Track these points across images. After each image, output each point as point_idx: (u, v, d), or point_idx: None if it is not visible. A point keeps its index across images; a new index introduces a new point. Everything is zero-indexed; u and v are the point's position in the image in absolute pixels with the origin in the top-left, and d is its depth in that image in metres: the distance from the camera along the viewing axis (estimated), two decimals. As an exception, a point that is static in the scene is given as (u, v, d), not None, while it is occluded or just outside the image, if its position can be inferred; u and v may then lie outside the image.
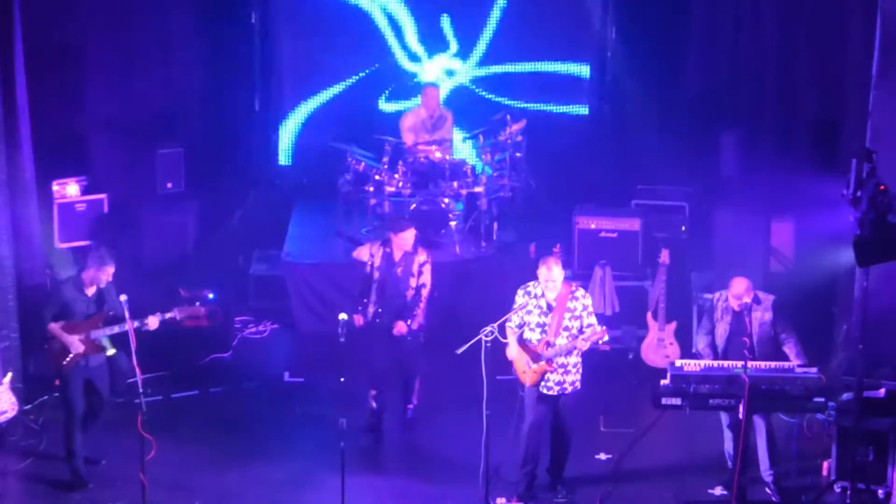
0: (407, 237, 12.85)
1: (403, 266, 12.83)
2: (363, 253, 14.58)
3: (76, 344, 11.66)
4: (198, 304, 12.69)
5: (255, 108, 17.79)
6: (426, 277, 12.91)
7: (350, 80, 18.11)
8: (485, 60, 18.27)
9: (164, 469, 11.65)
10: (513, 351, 11.46)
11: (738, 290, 11.53)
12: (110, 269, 11.77)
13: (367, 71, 18.07)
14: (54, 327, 11.70)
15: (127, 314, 11.30)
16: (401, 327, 12.70)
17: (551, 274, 11.32)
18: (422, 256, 12.92)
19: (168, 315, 11.81)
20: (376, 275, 12.84)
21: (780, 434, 11.93)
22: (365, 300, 12.90)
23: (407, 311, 12.76)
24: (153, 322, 11.69)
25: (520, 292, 11.51)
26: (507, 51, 18.21)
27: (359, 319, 12.82)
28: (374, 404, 12.91)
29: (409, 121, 16.46)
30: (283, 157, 18.29)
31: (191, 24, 16.59)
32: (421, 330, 12.91)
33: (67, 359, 11.69)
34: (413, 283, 12.84)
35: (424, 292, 12.89)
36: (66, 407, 11.87)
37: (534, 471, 11.66)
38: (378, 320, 12.84)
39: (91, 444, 12.02)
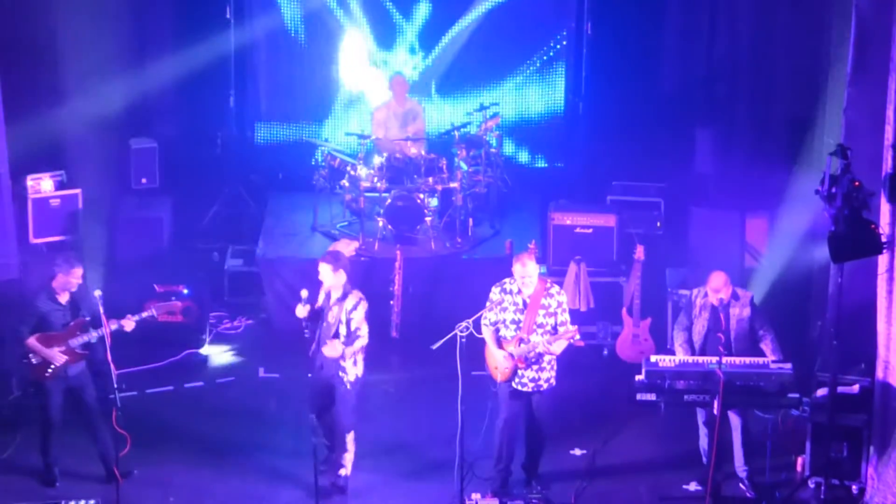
0: (323, 271, 11.47)
1: (335, 312, 11.42)
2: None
3: (58, 356, 11.44)
4: (173, 298, 12.60)
5: (230, 104, 17.69)
6: (362, 329, 11.44)
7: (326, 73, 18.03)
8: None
9: (138, 465, 11.65)
10: (491, 348, 11.43)
11: (717, 284, 11.55)
12: (79, 272, 11.56)
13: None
14: (33, 343, 11.43)
15: (101, 309, 11.25)
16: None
17: (526, 270, 11.29)
18: (350, 300, 11.41)
19: (145, 314, 11.68)
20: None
21: (755, 430, 11.96)
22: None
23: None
24: (129, 324, 11.54)
25: (495, 289, 11.47)
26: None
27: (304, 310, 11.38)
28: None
29: (382, 114, 16.42)
30: (258, 153, 18.17)
31: (165, 19, 16.51)
32: (357, 381, 11.57)
33: (49, 371, 11.48)
34: (343, 330, 11.40)
35: (359, 344, 11.44)
36: (44, 418, 11.69)
37: (508, 467, 11.64)
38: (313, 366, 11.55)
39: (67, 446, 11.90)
